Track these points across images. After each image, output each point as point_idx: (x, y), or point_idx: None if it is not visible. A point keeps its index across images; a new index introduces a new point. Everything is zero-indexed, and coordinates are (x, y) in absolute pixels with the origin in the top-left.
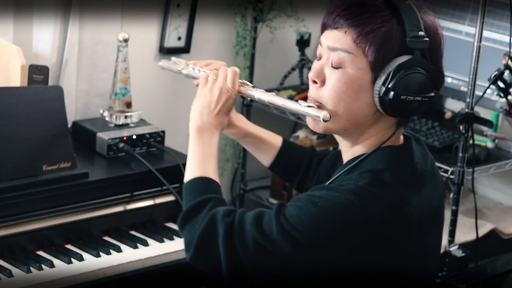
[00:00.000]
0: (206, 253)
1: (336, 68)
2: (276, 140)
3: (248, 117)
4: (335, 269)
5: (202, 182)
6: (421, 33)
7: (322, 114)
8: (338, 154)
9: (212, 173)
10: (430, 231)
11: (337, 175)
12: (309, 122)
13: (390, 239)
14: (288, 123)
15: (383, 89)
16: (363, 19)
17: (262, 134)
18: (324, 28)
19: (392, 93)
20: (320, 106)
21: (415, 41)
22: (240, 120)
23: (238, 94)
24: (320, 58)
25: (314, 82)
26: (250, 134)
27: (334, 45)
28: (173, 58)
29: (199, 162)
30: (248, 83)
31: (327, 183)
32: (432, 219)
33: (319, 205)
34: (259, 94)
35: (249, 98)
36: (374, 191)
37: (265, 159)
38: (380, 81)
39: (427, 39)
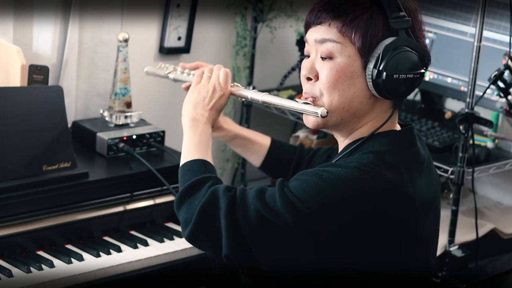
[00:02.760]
0: (206, 228)
1: (327, 59)
2: (264, 140)
3: (248, 117)
4: (337, 246)
5: (199, 163)
6: (402, 13)
7: (320, 110)
8: (332, 150)
9: (208, 157)
10: (428, 220)
11: (338, 157)
12: (306, 119)
13: (391, 217)
14: (288, 123)
15: (375, 72)
16: (345, 9)
17: (250, 136)
18: (308, 26)
19: (384, 73)
20: (315, 101)
21: (398, 22)
22: (228, 123)
23: (230, 94)
24: (309, 56)
25: (308, 78)
26: (238, 136)
27: (321, 37)
28: (161, 64)
29: (197, 147)
30: (240, 85)
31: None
32: (430, 207)
33: (324, 177)
34: (252, 94)
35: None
36: (377, 169)
37: (255, 159)
38: (371, 65)
39: (409, 18)
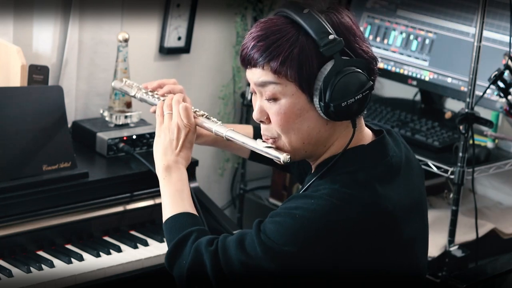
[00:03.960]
0: (198, 284)
1: (272, 101)
2: (247, 132)
3: (248, 117)
4: (323, 276)
5: (181, 218)
6: (331, 36)
7: (282, 157)
8: None
9: (188, 206)
10: (412, 222)
11: (310, 182)
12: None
13: (372, 236)
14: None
15: (322, 104)
16: (273, 50)
17: None
18: (244, 65)
19: (332, 104)
20: (275, 141)
21: (330, 47)
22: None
23: (196, 126)
24: (255, 93)
25: (261, 121)
26: (218, 139)
27: (260, 80)
28: (126, 80)
29: (174, 200)
30: (203, 113)
31: (301, 191)
32: (413, 209)
33: (297, 217)
34: (217, 128)
35: (249, 98)
36: (349, 192)
37: (242, 153)
38: (316, 99)
39: (340, 38)
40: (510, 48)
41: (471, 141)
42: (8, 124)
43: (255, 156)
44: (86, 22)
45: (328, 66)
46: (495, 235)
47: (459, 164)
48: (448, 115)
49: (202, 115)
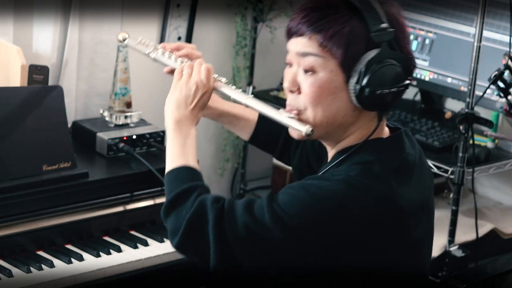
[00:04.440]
0: (194, 239)
1: (309, 73)
2: (252, 114)
3: None
4: (324, 260)
5: (186, 171)
6: (384, 25)
7: (305, 128)
8: None
9: (193, 162)
10: (421, 223)
11: (327, 168)
12: (291, 130)
13: (381, 230)
14: None
15: (358, 87)
16: (325, 23)
17: (236, 111)
18: (289, 35)
19: (367, 89)
20: (299, 114)
21: (380, 34)
22: (213, 100)
23: (213, 90)
24: (291, 65)
25: (291, 91)
26: (224, 113)
27: (303, 51)
28: (141, 39)
29: (181, 152)
30: (223, 78)
31: (319, 174)
32: (423, 210)
33: (312, 192)
34: (236, 95)
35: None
36: (365, 182)
37: (244, 134)
38: (353, 80)
39: (392, 29)
40: (510, 48)
41: (471, 141)
42: (8, 124)
43: (254, 139)
44: (86, 22)
45: (374, 52)
46: (495, 235)
47: (459, 164)
48: (448, 115)
49: (221, 81)
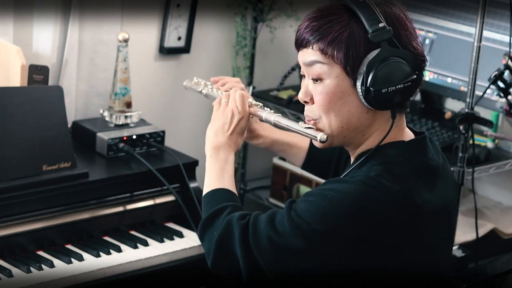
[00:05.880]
0: (224, 257)
1: (317, 81)
2: (303, 142)
3: None
4: (347, 262)
5: (219, 193)
6: (381, 24)
7: (319, 135)
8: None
9: (229, 185)
10: (440, 229)
11: (348, 171)
12: (313, 141)
13: (398, 228)
14: None
15: (363, 89)
16: (324, 30)
17: (289, 139)
18: (296, 48)
19: (372, 89)
20: (316, 123)
21: (378, 34)
22: (265, 130)
23: (250, 115)
24: (304, 77)
25: (305, 102)
26: (276, 141)
27: (308, 60)
28: (195, 79)
29: (217, 176)
30: (258, 103)
31: (340, 177)
32: (442, 217)
33: (329, 197)
34: (266, 115)
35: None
36: (383, 182)
37: (296, 161)
38: (359, 82)
39: (389, 28)
40: (510, 48)
41: (471, 141)
42: (8, 124)
43: (307, 166)
44: (86, 22)
45: (374, 53)
46: (495, 235)
47: (459, 164)
48: (448, 115)
49: (257, 105)
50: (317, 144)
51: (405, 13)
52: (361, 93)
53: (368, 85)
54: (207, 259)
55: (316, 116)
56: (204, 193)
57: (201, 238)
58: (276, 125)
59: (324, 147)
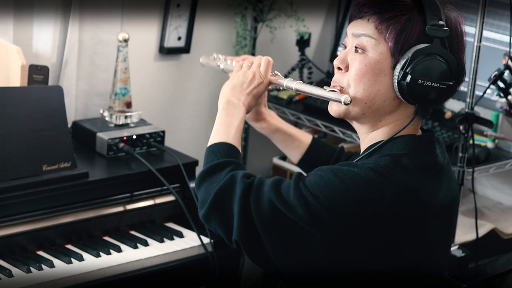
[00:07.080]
0: (219, 210)
1: (359, 52)
2: (305, 137)
3: None
4: (344, 243)
5: (225, 147)
6: (441, 22)
7: (343, 97)
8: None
9: (235, 141)
10: (441, 228)
11: (357, 159)
12: (330, 107)
13: (400, 221)
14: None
15: (401, 73)
16: (385, 7)
17: (291, 131)
18: (350, 19)
19: (409, 77)
20: (342, 91)
21: (434, 29)
22: (271, 116)
23: (269, 83)
24: (345, 47)
25: (339, 68)
26: (280, 130)
27: (358, 32)
28: (214, 54)
29: (224, 129)
30: (280, 74)
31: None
32: (444, 216)
33: (339, 175)
34: (287, 82)
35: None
36: (392, 172)
37: (294, 155)
38: (399, 66)
39: (447, 28)
40: (510, 48)
41: (471, 141)
42: (8, 124)
43: (303, 162)
44: (86, 22)
45: (424, 45)
46: (495, 235)
47: (459, 164)
48: (448, 115)
49: (278, 75)
50: (336, 110)
51: (463, 26)
52: (397, 77)
53: (407, 70)
54: (199, 209)
55: (344, 84)
56: (209, 143)
57: (198, 186)
58: (298, 91)
59: (340, 116)
